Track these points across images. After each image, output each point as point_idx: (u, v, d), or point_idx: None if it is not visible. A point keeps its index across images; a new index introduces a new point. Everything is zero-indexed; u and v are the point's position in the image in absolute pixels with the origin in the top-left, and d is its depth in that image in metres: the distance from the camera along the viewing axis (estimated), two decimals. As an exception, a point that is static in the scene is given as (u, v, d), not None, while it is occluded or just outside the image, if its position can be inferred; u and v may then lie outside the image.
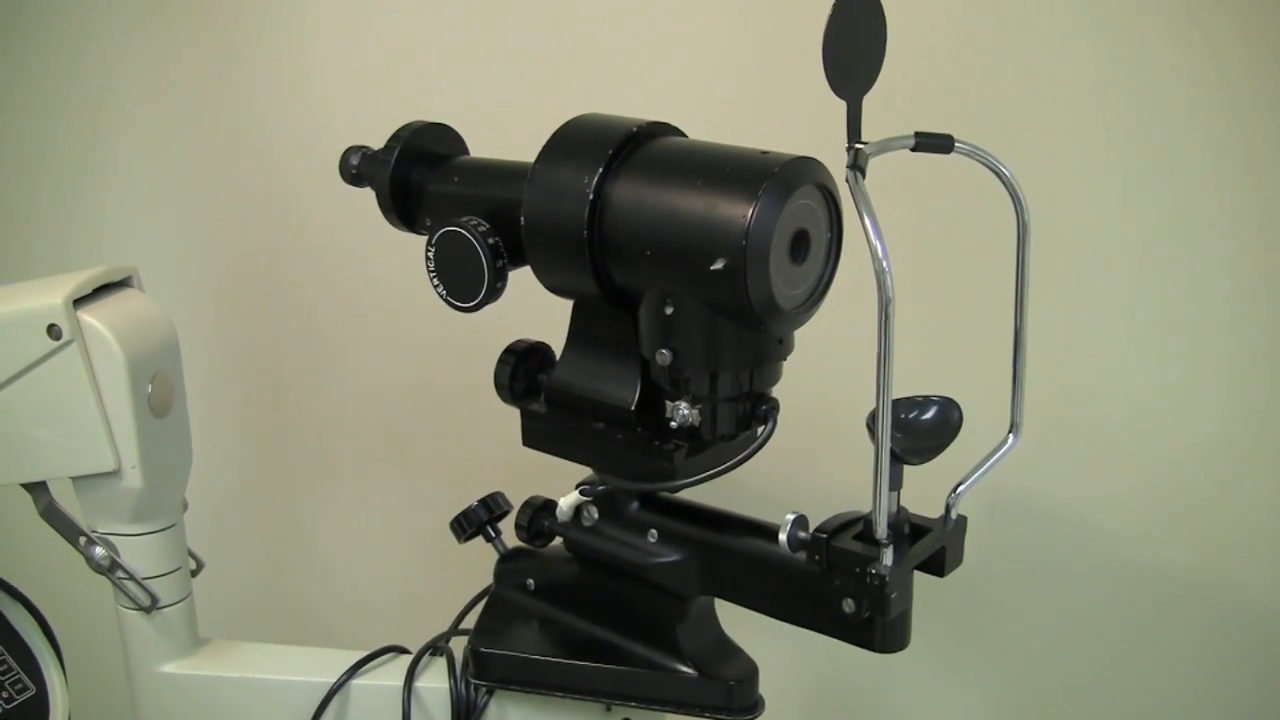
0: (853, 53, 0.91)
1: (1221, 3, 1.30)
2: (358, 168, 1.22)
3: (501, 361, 1.13)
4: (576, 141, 1.05)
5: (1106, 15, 1.35)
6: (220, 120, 1.86)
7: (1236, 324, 1.36)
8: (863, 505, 0.97)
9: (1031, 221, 1.00)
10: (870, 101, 0.92)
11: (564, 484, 1.14)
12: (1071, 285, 1.41)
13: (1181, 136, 1.34)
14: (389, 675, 1.24)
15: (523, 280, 1.09)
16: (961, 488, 1.02)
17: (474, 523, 1.26)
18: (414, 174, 1.19)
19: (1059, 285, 1.40)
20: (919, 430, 0.96)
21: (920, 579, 1.01)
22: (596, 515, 1.14)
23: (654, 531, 1.10)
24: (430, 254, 1.11)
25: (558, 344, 1.12)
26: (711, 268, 0.94)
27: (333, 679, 1.23)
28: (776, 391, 1.05)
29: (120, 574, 1.23)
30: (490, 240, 1.08)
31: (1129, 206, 1.38)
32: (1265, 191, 1.32)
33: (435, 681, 1.22)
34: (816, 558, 0.98)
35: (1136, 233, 1.38)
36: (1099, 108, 1.37)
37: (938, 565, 1.03)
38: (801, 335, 1.04)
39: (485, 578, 1.25)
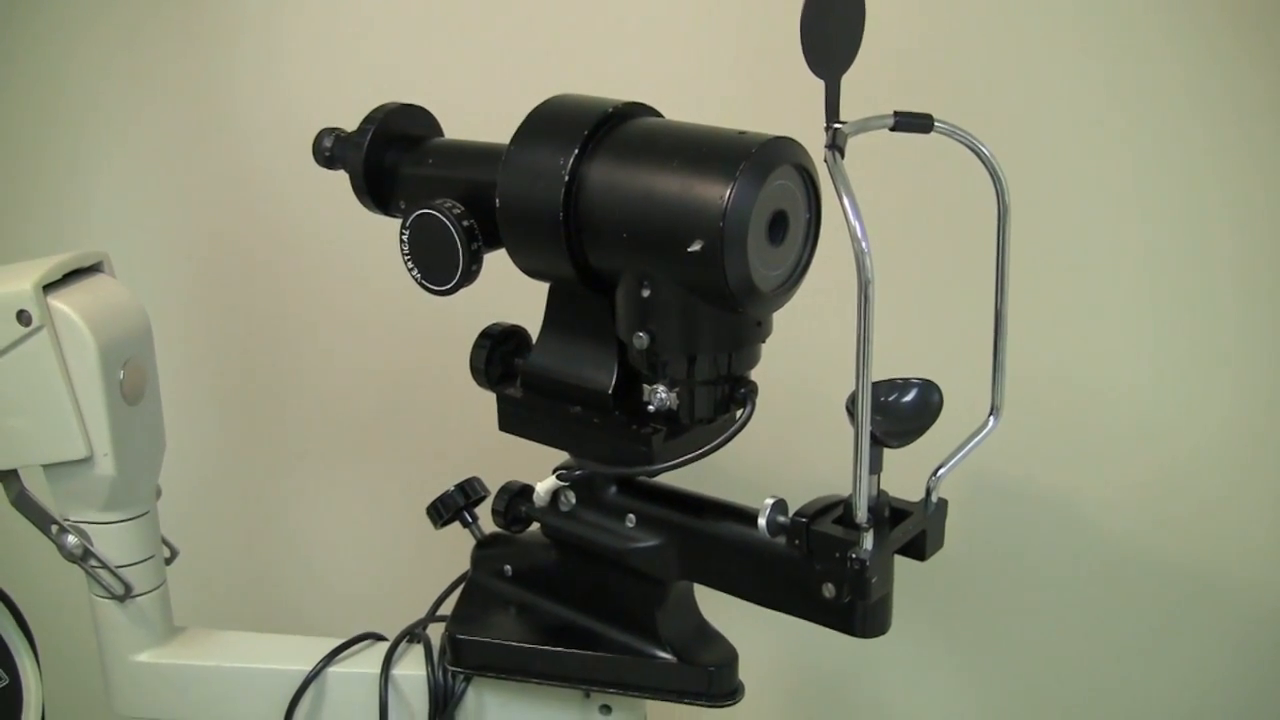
0: (831, 32, 0.90)
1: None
2: (331, 150, 1.20)
3: (477, 345, 1.13)
4: (552, 122, 1.04)
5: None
6: (192, 102, 1.84)
7: (1243, 317, 1.36)
8: (843, 489, 0.96)
9: (1019, 202, 1.00)
10: (851, 81, 0.91)
11: (541, 468, 1.13)
12: (1072, 267, 1.40)
13: (1188, 121, 1.33)
14: (366, 663, 1.23)
15: (498, 263, 1.08)
16: (942, 470, 1.01)
17: (450, 508, 1.25)
18: (388, 156, 1.18)
19: (1058, 267, 1.39)
20: (899, 413, 0.96)
21: (902, 563, 1.01)
22: (574, 500, 1.13)
23: (632, 516, 1.09)
24: (404, 237, 1.09)
25: (534, 327, 1.11)
26: (689, 249, 0.93)
27: (309, 667, 1.22)
28: (755, 374, 1.05)
29: (93, 563, 1.22)
30: (465, 223, 1.07)
31: (1135, 192, 1.37)
32: (1272, 177, 1.31)
33: (412, 669, 1.21)
34: (796, 542, 0.97)
35: (1142, 219, 1.37)
36: (1107, 89, 1.36)
37: (919, 549, 1.02)
38: (780, 317, 1.04)
39: (462, 564, 1.25)
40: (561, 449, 1.12)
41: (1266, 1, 1.29)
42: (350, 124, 1.20)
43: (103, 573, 1.22)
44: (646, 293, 0.98)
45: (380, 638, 1.26)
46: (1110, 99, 1.36)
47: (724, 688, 1.12)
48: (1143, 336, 1.40)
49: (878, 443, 0.94)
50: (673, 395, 1.02)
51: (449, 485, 1.26)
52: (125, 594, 1.23)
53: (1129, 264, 1.39)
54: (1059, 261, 1.40)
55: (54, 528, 1.22)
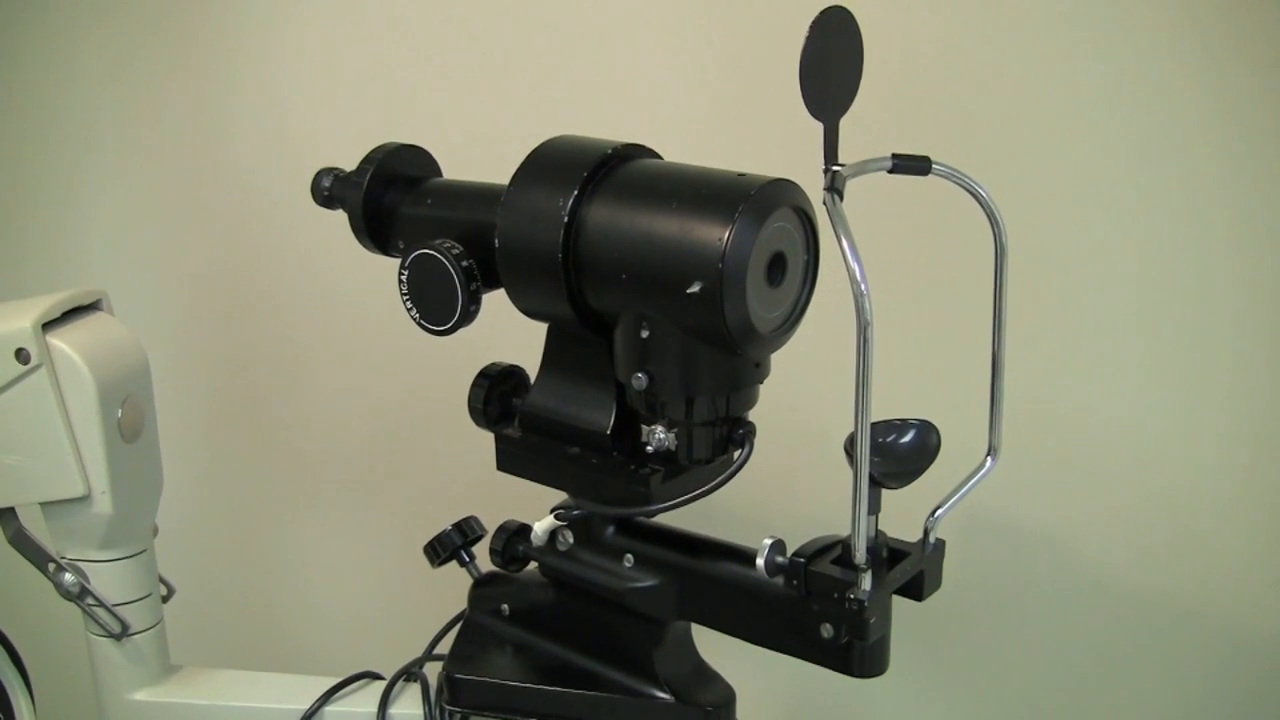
0: (829, 76, 0.90)
1: (1222, 8, 1.30)
2: (330, 190, 1.21)
3: (475, 385, 1.13)
4: (551, 164, 1.04)
5: (1105, 24, 1.34)
6: (192, 142, 1.85)
7: (1236, 343, 1.36)
8: (841, 529, 0.96)
9: (1014, 239, 1.00)
10: (850, 123, 0.92)
11: (539, 508, 1.13)
12: (1065, 304, 1.41)
13: (1181, 151, 1.34)
14: (362, 702, 1.23)
15: (497, 303, 1.09)
16: (940, 511, 1.01)
17: (448, 547, 1.25)
18: (387, 196, 1.19)
19: (1051, 304, 1.40)
20: (897, 454, 0.96)
21: (898, 600, 1.01)
22: (572, 540, 1.13)
23: (630, 556, 1.09)
24: (403, 277, 1.10)
25: (532, 367, 1.12)
26: (688, 291, 0.93)
27: (305, 706, 1.22)
28: (753, 415, 1.05)
29: (90, 601, 1.22)
30: (464, 263, 1.07)
31: (1126, 224, 1.37)
32: (1267, 205, 1.31)
33: (409, 708, 1.21)
34: (794, 583, 0.97)
35: (1133, 249, 1.38)
36: (1094, 122, 1.37)
37: (916, 589, 1.02)
38: (778, 358, 1.04)
39: (460, 602, 1.24)
40: (559, 489, 1.12)
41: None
42: (349, 163, 1.20)
43: (100, 611, 1.22)
44: (645, 334, 0.99)
45: (377, 676, 1.26)
46: (1106, 136, 1.36)
47: (721, 728, 1.12)
48: (1135, 369, 1.40)
49: (876, 484, 0.94)
50: (671, 436, 1.02)
51: (446, 524, 1.26)
52: (122, 632, 1.23)
53: (1120, 294, 1.39)
54: (1052, 294, 1.40)
55: (51, 566, 1.22)
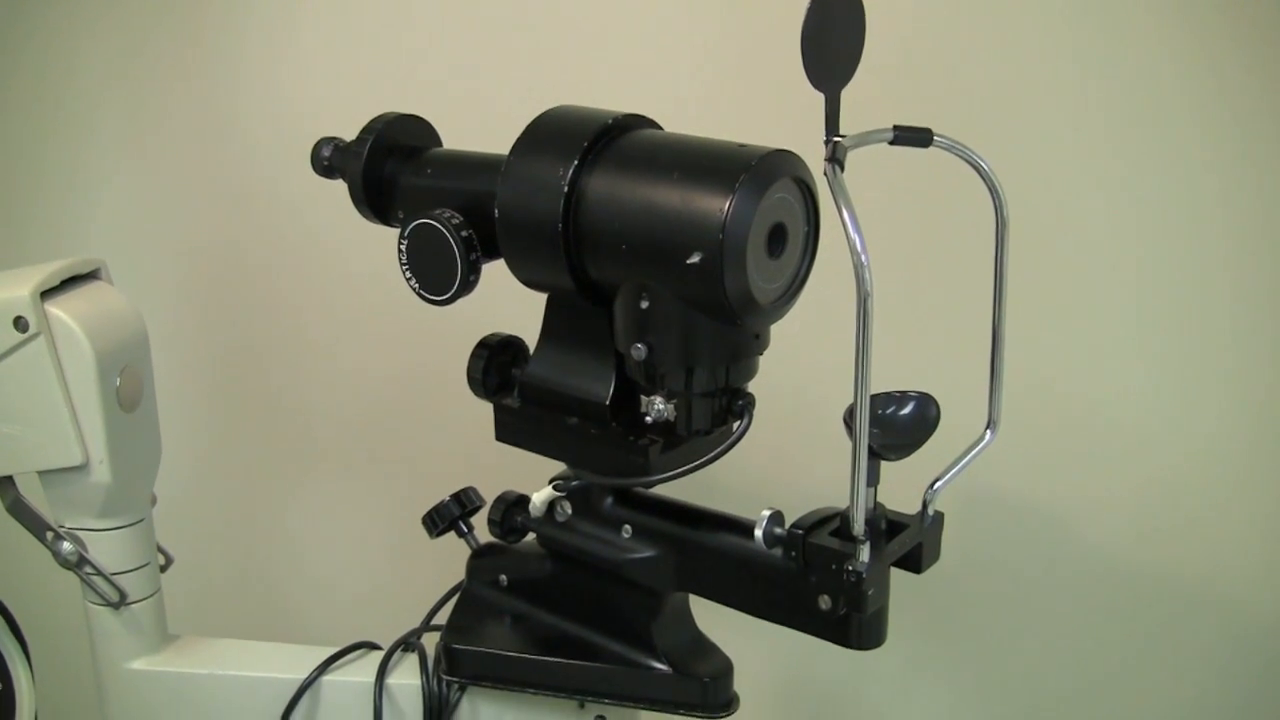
0: (831, 46, 0.90)
1: (1221, 8, 1.30)
2: (330, 159, 1.20)
3: (475, 356, 1.13)
4: (551, 134, 1.04)
5: (1102, 2, 1.34)
6: (192, 110, 1.85)
7: (1236, 324, 1.36)
8: (839, 501, 0.96)
9: (1015, 216, 1.00)
10: (850, 94, 0.91)
11: (538, 479, 1.13)
12: (1067, 281, 1.41)
13: (1181, 129, 1.34)
14: (360, 671, 1.23)
15: (497, 273, 1.08)
16: (939, 484, 1.01)
17: (446, 518, 1.25)
18: (386, 166, 1.18)
19: (1054, 280, 1.40)
20: (896, 426, 0.96)
21: (896, 574, 1.01)
22: (570, 511, 1.13)
23: (628, 527, 1.09)
24: (403, 247, 1.10)
25: (532, 337, 1.11)
26: (688, 261, 0.93)
27: (303, 675, 1.22)
28: (753, 386, 1.05)
29: (88, 569, 1.22)
30: (463, 233, 1.07)
31: (1128, 201, 1.38)
32: (1266, 188, 1.31)
33: (407, 678, 1.21)
34: (793, 554, 0.97)
35: (1135, 228, 1.38)
36: (1097, 98, 1.37)
37: (915, 562, 1.02)
38: (778, 329, 1.04)
39: (458, 572, 1.24)
40: (558, 459, 1.12)
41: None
42: (349, 133, 1.20)
43: (98, 580, 1.22)
44: (645, 304, 0.98)
45: (375, 646, 1.26)
46: (1107, 111, 1.36)
47: (719, 699, 1.11)
48: (1136, 348, 1.41)
49: (875, 456, 0.94)
50: (670, 407, 1.02)
51: (445, 495, 1.26)
52: (120, 601, 1.23)
53: (1122, 274, 1.39)
54: (1052, 273, 1.40)
55: (49, 534, 1.22)
